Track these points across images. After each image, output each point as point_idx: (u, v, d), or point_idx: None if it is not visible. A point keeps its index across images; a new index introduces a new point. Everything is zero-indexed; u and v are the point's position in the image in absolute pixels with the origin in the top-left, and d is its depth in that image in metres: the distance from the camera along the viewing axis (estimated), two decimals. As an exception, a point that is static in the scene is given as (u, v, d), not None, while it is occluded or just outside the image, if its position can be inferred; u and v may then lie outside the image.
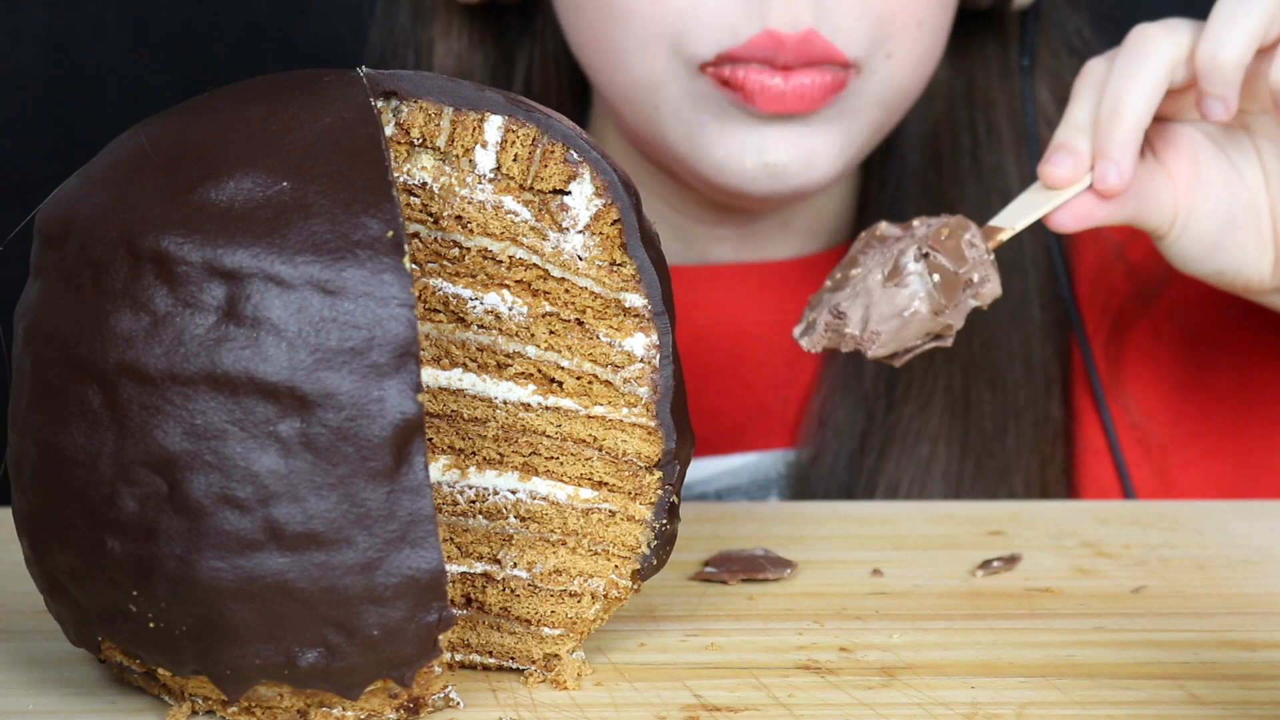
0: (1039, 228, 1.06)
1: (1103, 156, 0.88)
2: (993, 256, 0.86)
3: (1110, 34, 1.10)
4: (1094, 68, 0.90)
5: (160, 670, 0.67)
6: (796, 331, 0.83)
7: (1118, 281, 1.09)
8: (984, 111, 1.09)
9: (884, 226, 0.86)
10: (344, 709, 0.67)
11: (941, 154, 1.09)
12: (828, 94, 0.97)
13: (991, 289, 0.85)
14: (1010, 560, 0.84)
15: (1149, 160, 0.91)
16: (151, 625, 0.65)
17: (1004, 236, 0.87)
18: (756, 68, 0.96)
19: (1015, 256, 1.08)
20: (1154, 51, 0.87)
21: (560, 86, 1.09)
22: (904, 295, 0.82)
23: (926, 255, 0.83)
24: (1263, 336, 1.05)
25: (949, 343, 0.84)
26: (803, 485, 1.07)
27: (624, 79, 1.00)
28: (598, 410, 0.71)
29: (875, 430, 1.06)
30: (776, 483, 1.07)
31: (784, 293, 1.09)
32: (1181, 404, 1.07)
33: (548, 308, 0.71)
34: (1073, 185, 0.89)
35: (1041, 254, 1.08)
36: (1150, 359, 1.08)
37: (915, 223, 0.86)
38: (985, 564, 0.84)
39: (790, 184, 0.99)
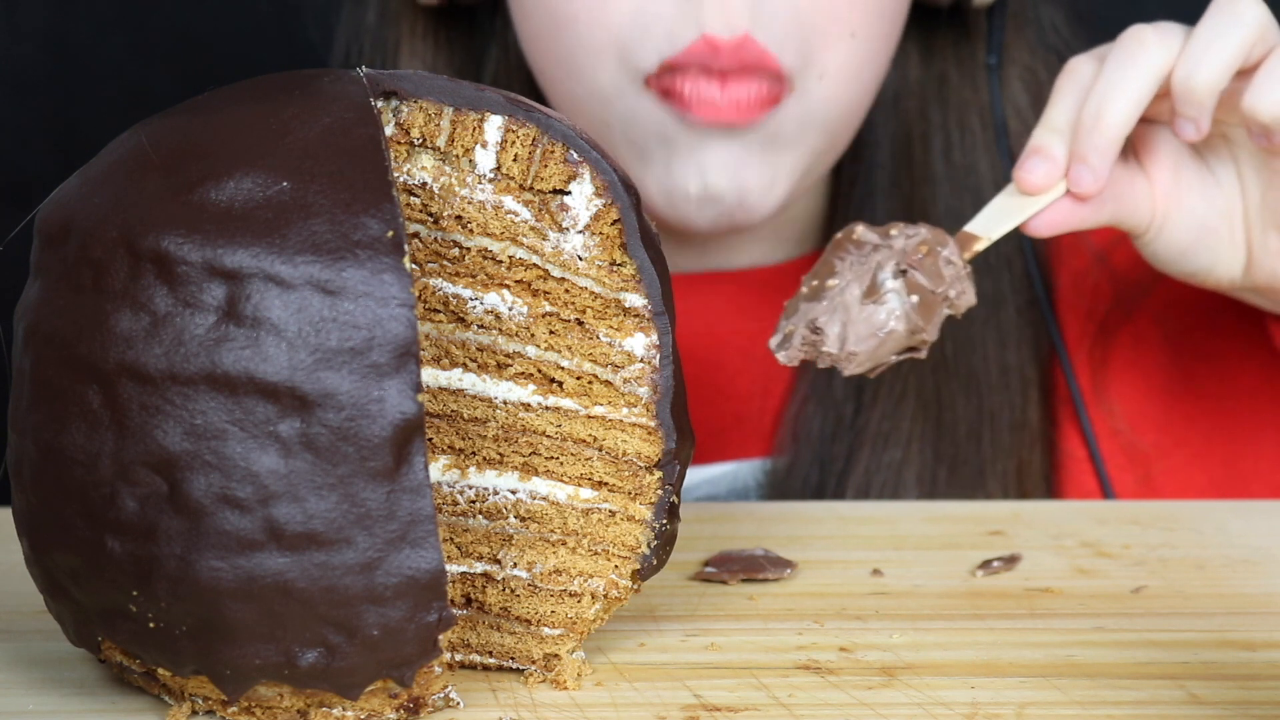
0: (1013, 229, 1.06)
1: (1080, 160, 0.87)
2: (969, 268, 0.85)
3: (1086, 30, 1.10)
4: (1077, 67, 0.89)
5: (160, 670, 0.67)
6: (773, 343, 0.83)
7: (1101, 288, 1.09)
8: (956, 112, 1.09)
9: (860, 231, 0.85)
10: (344, 709, 0.67)
11: (913, 155, 1.09)
12: (764, 105, 0.97)
13: (966, 299, 0.85)
14: (1010, 560, 0.84)
15: (1130, 163, 0.91)
16: (151, 625, 0.65)
17: (980, 246, 0.87)
18: (694, 75, 0.96)
19: (989, 259, 1.07)
20: (1144, 59, 0.87)
21: (525, 90, 1.09)
22: (881, 314, 0.82)
23: (904, 272, 0.83)
24: (1249, 343, 1.05)
25: (923, 354, 0.84)
26: (778, 494, 1.06)
27: (576, 90, 1.00)
28: (598, 410, 0.71)
29: (844, 434, 1.06)
30: (755, 491, 1.07)
31: (758, 301, 1.08)
32: (1167, 411, 1.07)
33: (548, 308, 0.71)
34: (1047, 191, 0.88)
35: (1016, 256, 1.08)
36: (1135, 366, 1.08)
37: (893, 231, 0.85)
38: (985, 564, 0.84)
39: (727, 212, 1.00)
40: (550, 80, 1.02)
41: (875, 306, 0.82)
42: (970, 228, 0.88)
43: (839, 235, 0.86)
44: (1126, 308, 1.08)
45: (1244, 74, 0.87)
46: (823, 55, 0.98)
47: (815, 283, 0.84)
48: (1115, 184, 0.89)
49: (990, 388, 1.06)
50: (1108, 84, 0.87)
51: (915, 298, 0.82)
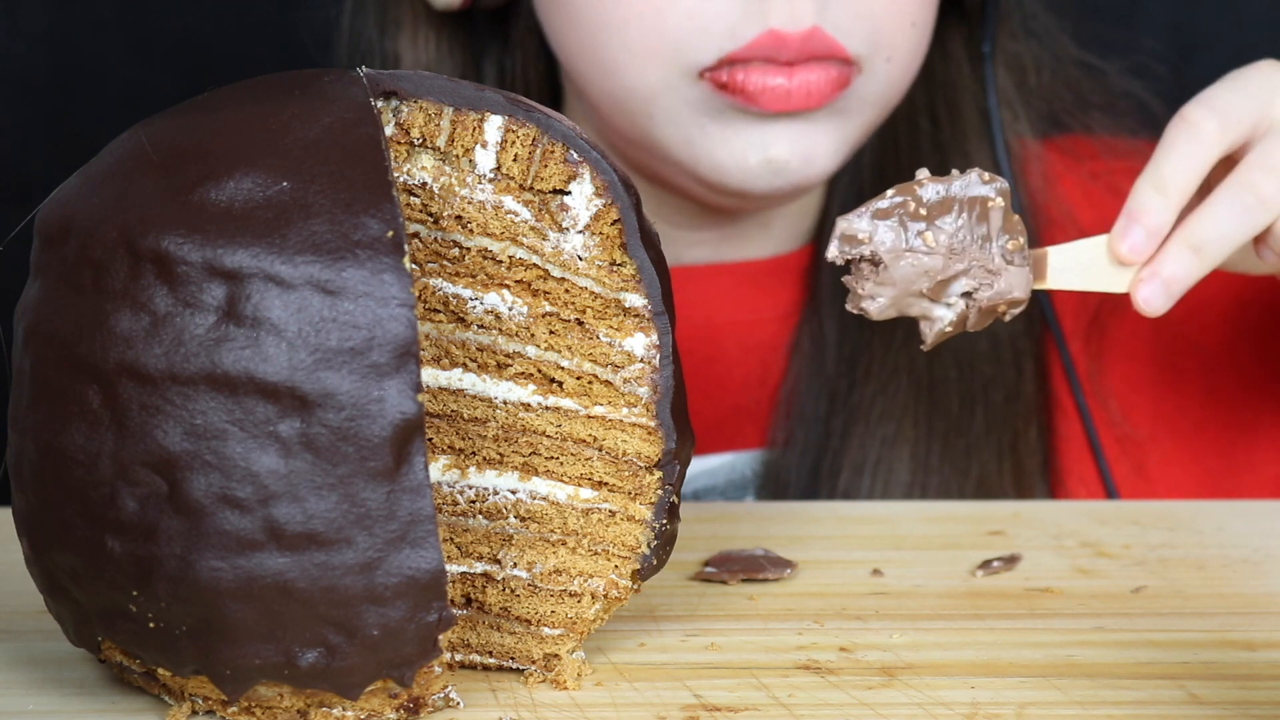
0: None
1: (1158, 276, 0.80)
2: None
3: (1066, 19, 1.10)
4: (1197, 122, 0.82)
5: (160, 670, 0.67)
6: (843, 225, 0.77)
7: None
8: (944, 96, 1.09)
9: (999, 207, 0.79)
10: (344, 709, 0.67)
11: (899, 138, 1.09)
12: (834, 90, 0.97)
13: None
14: (1010, 560, 0.84)
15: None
16: (151, 625, 0.65)
17: (1037, 287, 0.83)
18: (759, 68, 0.96)
19: None
20: (1265, 208, 0.81)
21: (532, 94, 1.09)
22: (919, 309, 0.80)
23: (971, 299, 0.80)
24: (1241, 335, 1.05)
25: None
26: (773, 474, 1.06)
27: (617, 86, 1.00)
28: (598, 410, 0.71)
29: (838, 411, 1.06)
30: (752, 482, 1.07)
31: (756, 292, 1.08)
32: (1160, 402, 1.07)
33: (548, 308, 0.71)
34: (1141, 261, 0.81)
35: None
36: (1129, 358, 1.08)
37: (1011, 245, 0.80)
38: (985, 564, 0.84)
39: (791, 179, 0.99)
40: (585, 78, 1.02)
41: (926, 302, 0.80)
42: (1051, 257, 0.81)
43: (987, 193, 0.79)
44: (1118, 299, 1.08)
45: None
46: (890, 41, 0.99)
47: (923, 212, 0.79)
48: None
49: (983, 361, 1.06)
50: (1218, 223, 0.81)
51: (950, 329, 0.80)
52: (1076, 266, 0.81)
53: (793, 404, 1.07)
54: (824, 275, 1.08)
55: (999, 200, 0.79)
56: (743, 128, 0.98)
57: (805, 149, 0.99)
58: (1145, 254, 0.80)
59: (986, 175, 0.79)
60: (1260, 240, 0.84)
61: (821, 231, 1.09)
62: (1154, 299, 0.80)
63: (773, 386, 1.08)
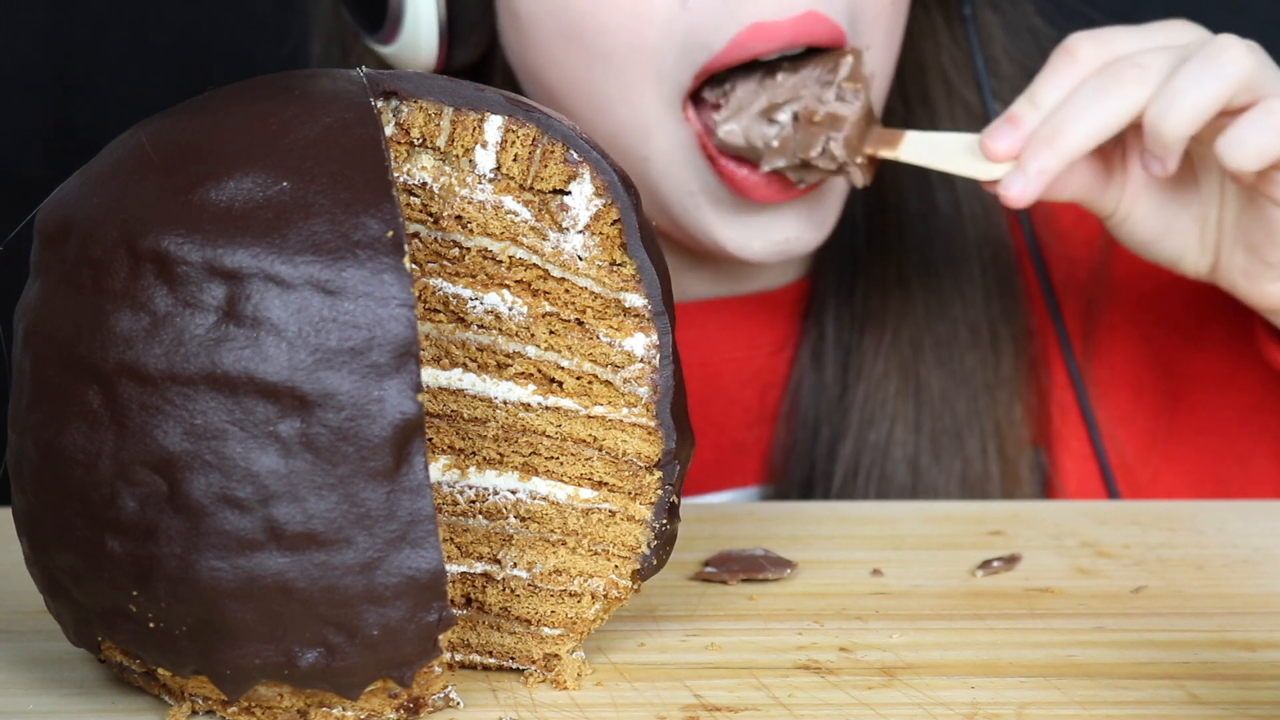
0: (989, 201, 1.06)
1: (1020, 169, 0.87)
2: (860, 159, 0.90)
3: (1059, 19, 1.10)
4: (1076, 48, 0.88)
5: (160, 670, 0.67)
6: (723, 130, 0.92)
7: (1076, 277, 1.08)
8: (917, 77, 1.08)
9: (847, 64, 0.90)
10: (344, 709, 0.67)
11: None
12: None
13: (856, 178, 0.92)
14: (1010, 560, 0.84)
15: (1111, 153, 0.91)
16: (151, 625, 0.65)
17: (886, 154, 0.91)
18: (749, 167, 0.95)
19: (951, 219, 1.06)
20: (1125, 93, 0.86)
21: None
22: (759, 134, 0.90)
23: (794, 123, 0.87)
24: (1235, 343, 1.05)
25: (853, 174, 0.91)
26: (773, 480, 1.06)
27: (612, 122, 0.96)
28: (598, 410, 0.71)
29: (832, 417, 1.05)
30: None
31: (753, 327, 1.07)
32: (1153, 414, 1.07)
33: (548, 308, 0.71)
34: (1006, 161, 0.89)
35: (980, 214, 1.06)
36: (1122, 364, 1.07)
37: (845, 85, 0.89)
38: (985, 564, 0.84)
39: (798, 249, 0.99)
40: (576, 116, 0.98)
41: (764, 126, 0.88)
42: (910, 133, 0.91)
43: (853, 64, 0.91)
44: (1112, 314, 1.08)
45: (1228, 114, 0.86)
46: (871, 28, 0.96)
47: (774, 95, 0.91)
48: (1084, 171, 0.90)
49: (964, 349, 1.06)
50: (1079, 105, 0.87)
51: (779, 146, 0.89)
52: (934, 147, 0.91)
53: (790, 407, 1.07)
54: (822, 306, 1.07)
55: (849, 58, 0.91)
56: (744, 216, 0.97)
57: (815, 223, 0.98)
58: (1011, 152, 0.88)
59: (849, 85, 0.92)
60: (1142, 153, 0.88)
61: (818, 262, 1.08)
62: (1013, 183, 0.88)
63: (771, 424, 1.07)
